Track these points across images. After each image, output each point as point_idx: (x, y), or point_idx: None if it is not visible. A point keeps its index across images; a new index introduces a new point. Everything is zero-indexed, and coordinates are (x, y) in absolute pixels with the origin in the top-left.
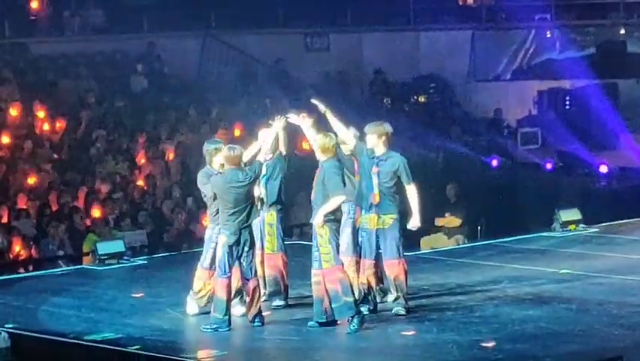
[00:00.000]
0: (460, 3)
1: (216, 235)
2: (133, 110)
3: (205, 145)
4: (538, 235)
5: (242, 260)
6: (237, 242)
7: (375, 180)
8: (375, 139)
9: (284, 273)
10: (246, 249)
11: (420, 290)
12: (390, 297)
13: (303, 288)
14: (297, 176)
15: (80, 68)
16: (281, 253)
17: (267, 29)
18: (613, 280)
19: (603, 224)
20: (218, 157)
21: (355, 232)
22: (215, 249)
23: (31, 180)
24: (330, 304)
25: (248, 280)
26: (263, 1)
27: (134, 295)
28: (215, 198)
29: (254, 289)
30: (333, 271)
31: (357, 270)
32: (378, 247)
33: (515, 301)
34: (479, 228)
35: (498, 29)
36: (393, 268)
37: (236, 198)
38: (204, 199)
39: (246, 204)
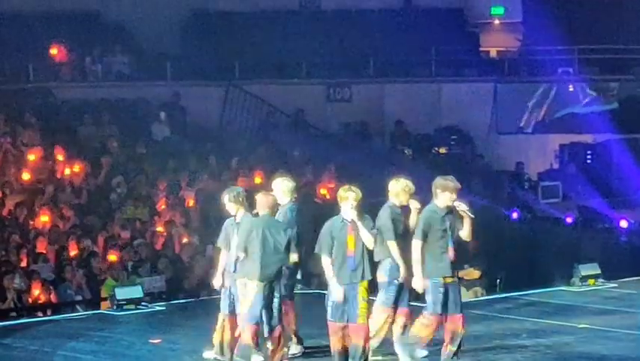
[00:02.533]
0: (483, 56)
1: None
2: (154, 156)
3: (228, 193)
4: (557, 288)
5: (272, 308)
6: (271, 289)
7: (450, 238)
8: (449, 195)
9: (289, 319)
10: (276, 295)
11: (439, 342)
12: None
13: (321, 337)
14: (315, 223)
15: (102, 113)
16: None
17: (290, 79)
18: (632, 335)
19: (622, 280)
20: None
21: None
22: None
23: (51, 224)
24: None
25: (274, 327)
26: (286, 52)
27: (151, 341)
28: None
29: (279, 336)
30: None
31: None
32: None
33: (534, 355)
34: (498, 281)
35: (520, 82)
36: (456, 322)
37: (275, 244)
38: (222, 245)
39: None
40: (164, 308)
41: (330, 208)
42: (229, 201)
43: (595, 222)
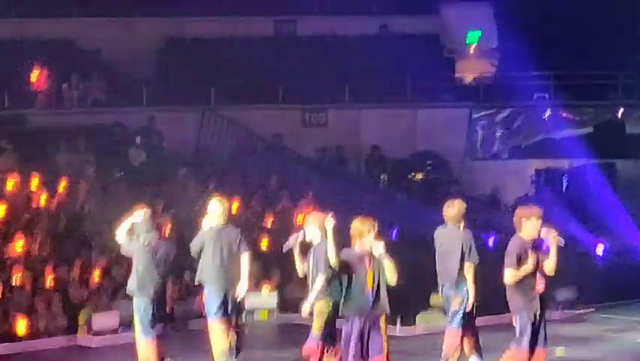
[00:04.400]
0: (458, 81)
1: None
2: (131, 182)
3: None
4: None
5: None
6: None
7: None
8: (535, 222)
9: None
10: None
11: None
12: None
13: None
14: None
15: (78, 140)
16: None
17: (266, 104)
18: (609, 358)
19: (599, 304)
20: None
21: None
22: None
23: (27, 252)
24: None
25: None
26: (262, 77)
27: None
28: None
29: None
30: None
31: None
32: None
33: None
34: (475, 305)
35: (496, 107)
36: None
37: None
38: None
39: None
40: None
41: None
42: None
43: (571, 248)
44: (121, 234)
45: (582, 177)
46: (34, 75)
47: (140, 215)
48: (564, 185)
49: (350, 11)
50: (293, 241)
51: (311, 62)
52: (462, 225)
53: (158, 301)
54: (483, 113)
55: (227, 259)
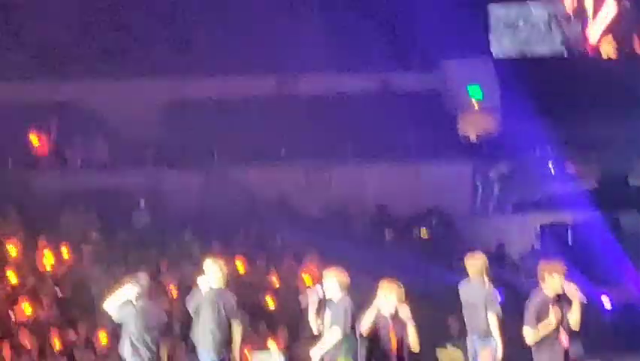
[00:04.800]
0: (462, 138)
1: None
2: (135, 245)
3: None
4: None
5: None
6: None
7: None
8: (558, 277)
9: None
10: None
11: None
12: None
13: None
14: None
15: (82, 202)
16: None
17: (269, 164)
18: None
19: (605, 357)
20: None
21: None
22: None
23: (33, 316)
24: None
25: None
26: (265, 137)
27: None
28: None
29: None
30: None
31: None
32: None
33: None
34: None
35: (499, 163)
36: None
37: None
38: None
39: None
40: None
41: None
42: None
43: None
44: (110, 307)
45: (586, 231)
46: (35, 140)
47: (131, 288)
48: (569, 239)
49: (351, 68)
50: (313, 298)
51: (313, 119)
52: (486, 278)
53: None
54: (486, 168)
55: (224, 323)
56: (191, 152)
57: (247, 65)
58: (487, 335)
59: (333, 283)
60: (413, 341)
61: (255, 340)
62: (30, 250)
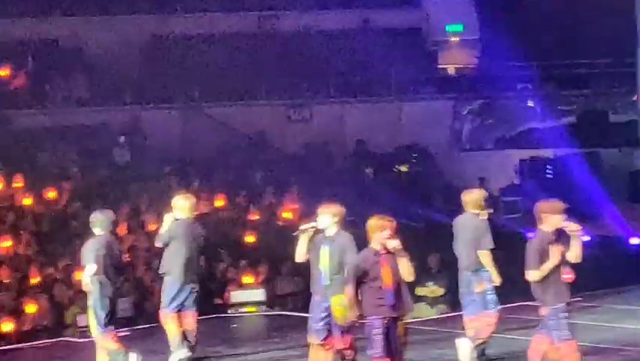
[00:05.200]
0: (442, 73)
1: None
2: (115, 181)
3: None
4: (519, 304)
5: None
6: None
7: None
8: (558, 217)
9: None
10: None
11: None
12: None
13: None
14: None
15: (62, 140)
16: None
17: (250, 101)
18: (591, 348)
19: (585, 293)
20: None
21: None
22: None
23: (12, 252)
24: None
25: None
26: (246, 74)
27: None
28: None
29: None
30: None
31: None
32: None
33: None
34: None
35: (479, 99)
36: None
37: None
38: None
39: None
40: (128, 333)
41: (292, 230)
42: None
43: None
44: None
45: (566, 166)
46: (17, 75)
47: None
48: (548, 175)
49: (331, 5)
50: (309, 228)
51: (294, 57)
52: (481, 213)
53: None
54: (466, 104)
55: (195, 253)
56: (171, 89)
57: (228, 3)
58: (478, 268)
59: (328, 217)
60: (405, 272)
61: (235, 276)
62: (9, 186)
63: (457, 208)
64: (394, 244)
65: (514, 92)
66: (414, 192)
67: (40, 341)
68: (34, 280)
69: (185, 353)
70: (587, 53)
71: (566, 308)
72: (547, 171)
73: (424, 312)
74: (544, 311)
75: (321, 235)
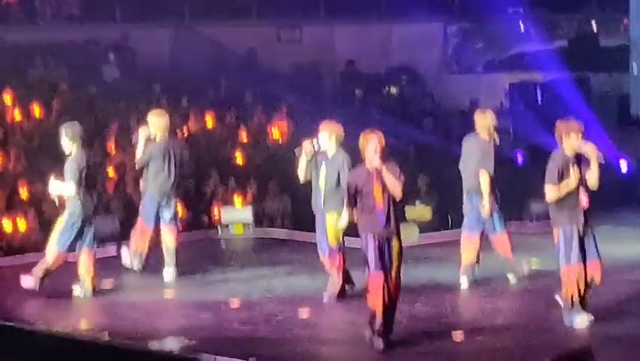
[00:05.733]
0: None
1: None
2: (105, 98)
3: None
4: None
5: None
6: None
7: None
8: (574, 136)
9: None
10: None
11: None
12: None
13: None
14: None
15: (51, 56)
16: None
17: (240, 21)
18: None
19: None
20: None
21: None
22: None
23: (1, 167)
24: None
25: None
26: None
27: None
28: None
29: None
30: None
31: None
32: None
33: (485, 293)
34: (450, 219)
35: (470, 21)
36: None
37: None
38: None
39: None
40: (115, 250)
41: (281, 150)
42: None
43: (545, 161)
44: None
45: (556, 90)
46: None
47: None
48: (538, 98)
49: None
50: (308, 148)
51: None
52: (492, 135)
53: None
54: (457, 27)
55: (173, 170)
56: (161, 6)
57: None
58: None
59: (328, 136)
60: (393, 189)
61: (223, 195)
62: None
63: (446, 130)
64: (375, 162)
65: (505, 15)
66: (403, 113)
67: (28, 258)
68: (23, 195)
69: (135, 267)
70: None
71: (579, 232)
72: (537, 94)
73: (412, 234)
74: (555, 232)
75: (322, 153)
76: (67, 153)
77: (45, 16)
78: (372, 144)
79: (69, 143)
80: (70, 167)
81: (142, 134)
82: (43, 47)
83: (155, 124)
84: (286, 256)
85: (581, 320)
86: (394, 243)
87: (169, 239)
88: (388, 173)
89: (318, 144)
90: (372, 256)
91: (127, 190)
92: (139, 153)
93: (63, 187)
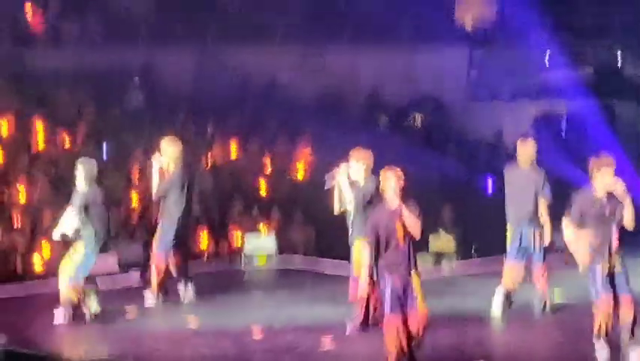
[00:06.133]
0: (457, 25)
1: None
2: (129, 124)
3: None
4: None
5: None
6: None
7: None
8: (606, 171)
9: None
10: None
11: None
12: None
13: None
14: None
15: (76, 80)
16: None
17: (264, 47)
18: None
19: None
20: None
21: None
22: None
23: (26, 196)
24: None
25: None
26: (260, 19)
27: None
28: None
29: None
30: None
31: None
32: None
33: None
34: (474, 250)
35: (495, 49)
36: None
37: None
38: None
39: None
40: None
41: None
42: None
43: (571, 192)
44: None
45: (581, 119)
46: (29, 14)
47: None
48: (563, 128)
49: None
50: (340, 178)
51: (308, 2)
52: (533, 165)
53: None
54: (482, 54)
55: (185, 199)
56: (185, 31)
57: None
58: (533, 218)
59: (359, 165)
60: (413, 230)
61: (247, 223)
62: (23, 128)
63: (471, 160)
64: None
65: (531, 43)
66: (428, 143)
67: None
68: (48, 224)
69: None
70: (607, 2)
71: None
72: (562, 123)
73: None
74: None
75: (353, 183)
76: (78, 188)
77: (70, 39)
78: (390, 183)
79: (82, 180)
80: (80, 201)
81: (155, 164)
82: (68, 70)
83: (169, 153)
84: (309, 286)
85: (601, 352)
86: (415, 279)
87: (176, 260)
88: (409, 213)
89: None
90: (389, 297)
91: (151, 217)
92: (155, 184)
93: (69, 222)
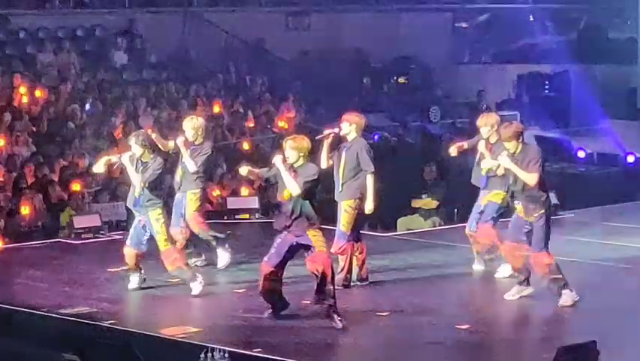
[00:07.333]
0: None
1: None
2: (113, 84)
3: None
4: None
5: None
6: None
7: None
8: None
9: None
10: None
11: (395, 270)
12: None
13: None
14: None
15: (60, 41)
16: None
17: (249, 7)
18: (587, 265)
19: (579, 209)
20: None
21: None
22: None
23: (9, 151)
24: None
25: None
26: None
27: (109, 269)
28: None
29: None
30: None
31: None
32: None
33: (490, 284)
34: (456, 210)
35: (479, 12)
36: None
37: None
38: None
39: None
40: (121, 237)
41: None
42: (135, 144)
43: (552, 153)
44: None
45: (564, 82)
46: None
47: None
48: (546, 90)
49: None
50: (329, 133)
51: None
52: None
53: None
54: (465, 17)
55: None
56: None
57: None
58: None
59: (347, 125)
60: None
61: (231, 184)
62: (7, 87)
63: (454, 120)
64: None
65: (515, 6)
66: (411, 103)
67: (36, 242)
68: (30, 180)
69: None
70: None
71: None
72: (546, 86)
73: (417, 224)
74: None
75: (344, 142)
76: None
77: (54, 1)
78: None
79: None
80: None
81: (181, 142)
82: (52, 31)
83: (196, 128)
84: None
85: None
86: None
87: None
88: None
89: (336, 132)
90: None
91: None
92: (190, 158)
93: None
